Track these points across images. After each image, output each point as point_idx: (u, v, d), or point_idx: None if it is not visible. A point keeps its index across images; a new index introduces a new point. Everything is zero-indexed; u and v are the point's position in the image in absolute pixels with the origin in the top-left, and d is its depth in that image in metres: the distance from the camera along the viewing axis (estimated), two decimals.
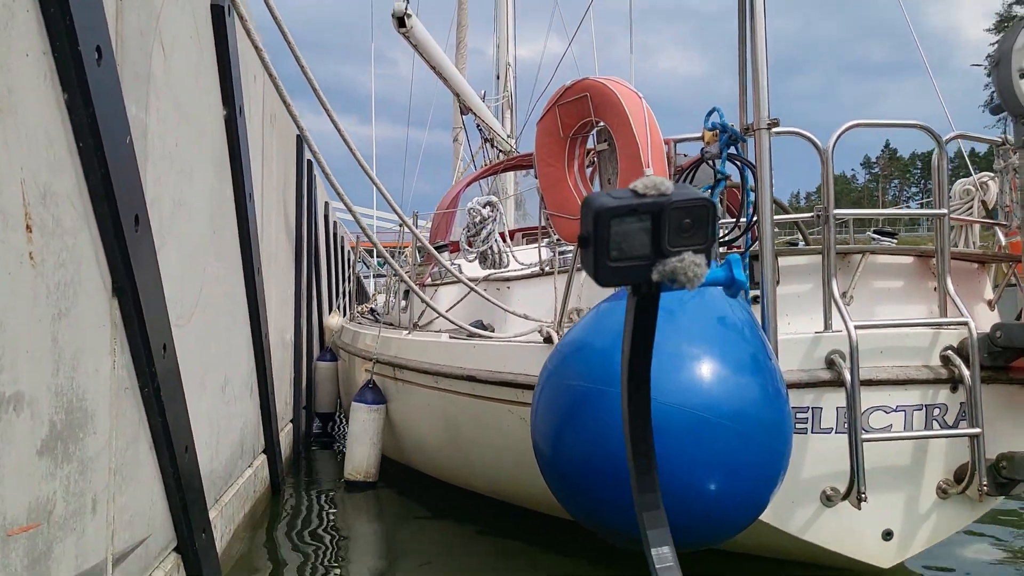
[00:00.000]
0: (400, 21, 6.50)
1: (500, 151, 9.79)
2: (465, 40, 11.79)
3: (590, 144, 4.26)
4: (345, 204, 4.81)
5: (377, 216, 16.30)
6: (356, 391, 6.50)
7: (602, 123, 3.98)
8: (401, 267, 7.86)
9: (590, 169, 4.41)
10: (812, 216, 3.77)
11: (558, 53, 10.91)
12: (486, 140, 9.85)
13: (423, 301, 5.69)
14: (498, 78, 10.76)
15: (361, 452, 6.19)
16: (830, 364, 3.57)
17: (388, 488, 6.33)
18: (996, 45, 3.50)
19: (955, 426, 3.64)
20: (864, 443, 3.42)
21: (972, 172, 4.60)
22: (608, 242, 1.06)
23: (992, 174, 4.39)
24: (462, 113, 9.61)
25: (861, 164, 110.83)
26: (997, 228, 4.40)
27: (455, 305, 5.77)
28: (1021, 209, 3.53)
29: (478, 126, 9.74)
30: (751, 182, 3.53)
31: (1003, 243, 4.36)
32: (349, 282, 12.87)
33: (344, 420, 9.04)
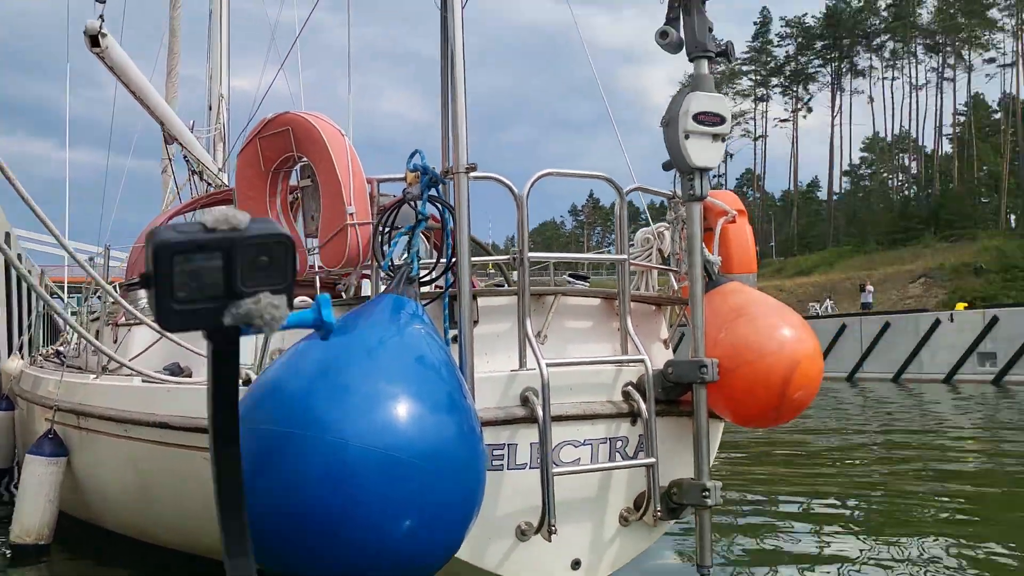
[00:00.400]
0: (94, 40, 6.01)
1: (209, 184, 9.33)
2: (177, 68, 11.17)
3: (293, 180, 4.17)
4: None
5: (74, 247, 14.79)
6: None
7: (305, 159, 3.90)
8: (100, 303, 7.18)
9: (294, 205, 4.31)
10: (509, 259, 3.94)
11: (277, 86, 10.64)
12: (194, 172, 9.35)
13: (96, 348, 5.18)
14: (210, 109, 10.29)
15: (33, 511, 5.51)
16: (524, 401, 3.71)
17: (65, 550, 5.68)
18: (667, 108, 3.88)
19: (635, 457, 3.93)
20: (555, 477, 3.58)
21: (651, 222, 5.07)
22: (172, 282, 0.96)
23: (667, 224, 4.87)
24: (166, 143, 9.07)
25: (569, 212, 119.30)
26: (671, 274, 4.87)
27: (151, 347, 5.34)
28: (688, 256, 3.92)
29: (185, 157, 9.23)
30: (451, 224, 3.62)
31: (676, 287, 4.83)
32: (33, 318, 11.56)
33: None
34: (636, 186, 4.47)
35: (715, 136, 3.82)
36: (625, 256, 4.06)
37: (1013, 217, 65.19)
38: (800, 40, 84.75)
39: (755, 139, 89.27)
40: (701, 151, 3.80)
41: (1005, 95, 73.89)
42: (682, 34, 3.88)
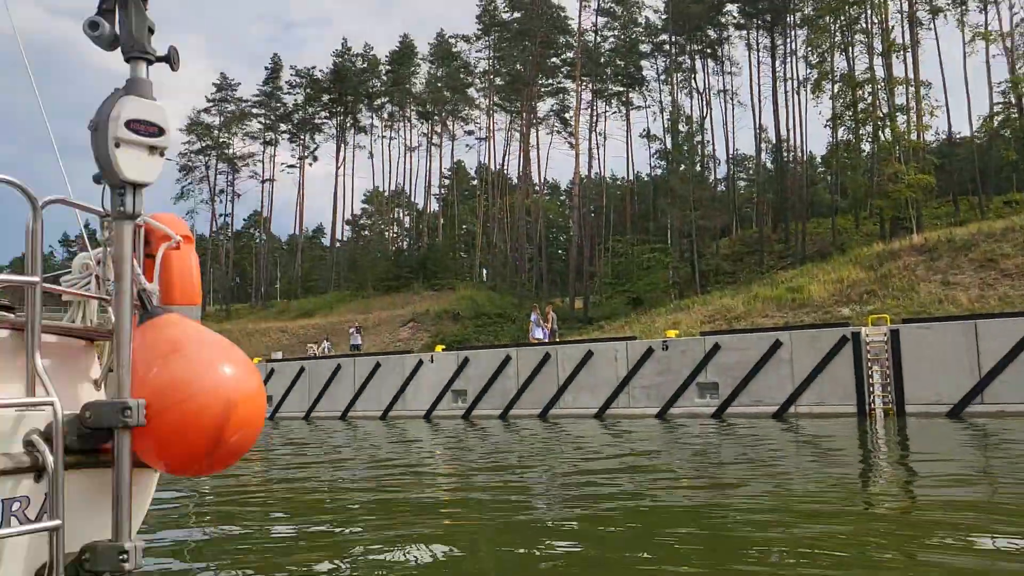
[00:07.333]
0: None
1: None
2: None
3: None
4: None
5: None
6: None
7: None
8: None
9: None
10: None
11: None
12: None
13: None
14: None
15: None
16: None
17: None
18: (96, 111, 3.34)
19: (39, 520, 3.24)
20: None
21: (89, 247, 4.39)
22: None
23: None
24: None
25: (60, 241, 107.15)
26: (106, 304, 4.23)
27: None
28: (116, 283, 3.41)
29: None
30: None
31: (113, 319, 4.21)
32: None
33: None
34: (57, 198, 3.81)
35: (152, 148, 3.38)
36: (37, 279, 3.38)
37: (485, 271, 74.63)
38: (309, 91, 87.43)
39: (263, 182, 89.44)
40: (135, 163, 3.33)
41: (480, 164, 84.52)
42: (117, 29, 3.39)
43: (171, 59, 3.52)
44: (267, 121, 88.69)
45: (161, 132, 3.40)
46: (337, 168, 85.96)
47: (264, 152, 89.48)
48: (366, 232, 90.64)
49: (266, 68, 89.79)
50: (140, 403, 3.31)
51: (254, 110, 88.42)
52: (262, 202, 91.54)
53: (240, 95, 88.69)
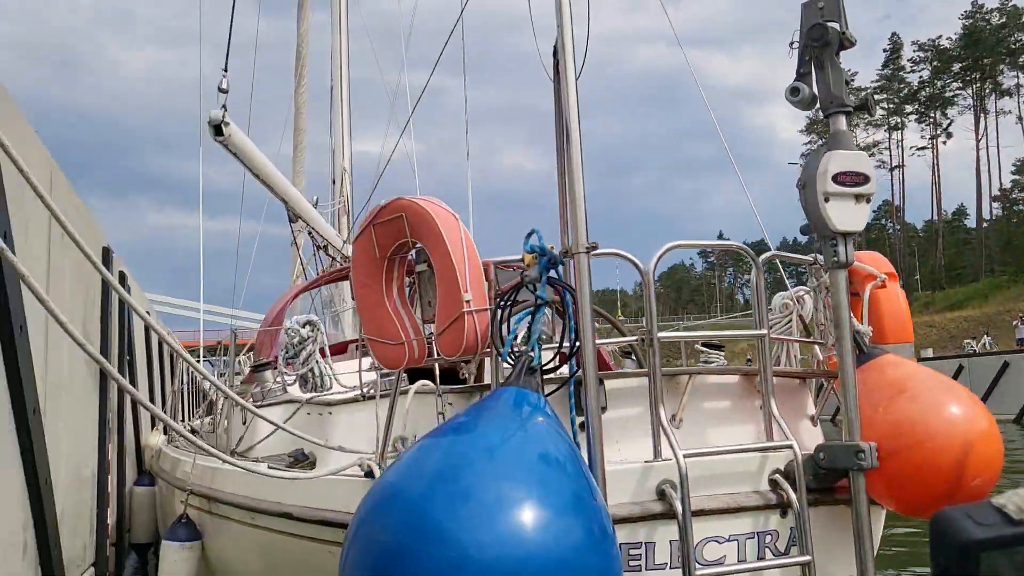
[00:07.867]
0: (217, 129, 6.17)
1: (333, 259, 9.47)
2: (303, 144, 11.51)
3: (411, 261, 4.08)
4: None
5: (205, 310, 14.88)
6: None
7: (419, 244, 3.79)
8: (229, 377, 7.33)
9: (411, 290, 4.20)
10: (636, 339, 3.67)
11: (403, 150, 10.86)
12: (319, 248, 9.54)
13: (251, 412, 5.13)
14: (334, 183, 10.51)
15: None
16: (661, 495, 3.42)
17: None
18: (802, 169, 3.55)
19: (787, 552, 3.54)
20: None
21: (788, 286, 4.69)
22: None
23: (808, 289, 4.48)
24: (291, 221, 9.28)
25: (698, 254, 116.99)
26: (815, 346, 4.45)
27: (272, 432, 5.33)
28: (836, 328, 3.55)
29: (310, 233, 9.44)
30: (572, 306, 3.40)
31: (820, 358, 4.41)
32: (175, 386, 11.99)
33: None
34: (773, 254, 4.13)
35: (858, 197, 3.46)
36: (765, 332, 3.71)
37: None
38: (936, 64, 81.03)
39: (891, 169, 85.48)
40: (844, 214, 3.44)
41: None
42: (815, 89, 3.55)
43: (868, 106, 3.55)
44: (890, 105, 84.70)
45: (866, 180, 3.45)
46: (977, 140, 77.92)
47: (890, 138, 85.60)
48: (1020, 207, 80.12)
49: (884, 50, 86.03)
50: (872, 446, 3.37)
51: (875, 96, 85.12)
52: (892, 190, 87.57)
53: (857, 84, 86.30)
